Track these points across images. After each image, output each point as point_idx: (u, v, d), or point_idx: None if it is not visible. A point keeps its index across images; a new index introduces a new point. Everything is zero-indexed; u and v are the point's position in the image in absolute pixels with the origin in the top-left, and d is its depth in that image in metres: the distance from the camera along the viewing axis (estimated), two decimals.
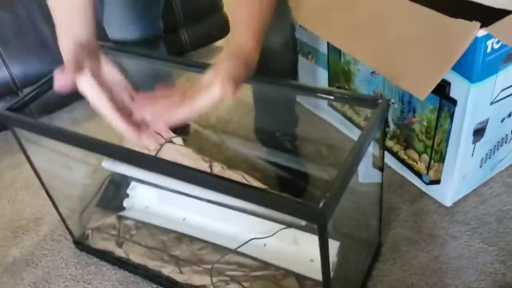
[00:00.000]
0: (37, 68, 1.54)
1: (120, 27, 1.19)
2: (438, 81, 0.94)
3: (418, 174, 1.24)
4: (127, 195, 1.27)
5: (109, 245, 1.19)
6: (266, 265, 1.09)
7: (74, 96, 1.59)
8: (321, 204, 0.72)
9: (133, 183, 1.28)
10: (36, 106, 1.53)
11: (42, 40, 1.54)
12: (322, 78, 1.43)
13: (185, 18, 1.81)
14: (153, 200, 1.26)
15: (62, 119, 1.66)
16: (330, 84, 1.41)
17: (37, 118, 1.47)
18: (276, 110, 1.29)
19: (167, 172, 0.90)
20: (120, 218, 1.24)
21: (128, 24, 1.18)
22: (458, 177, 1.15)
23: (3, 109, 0.99)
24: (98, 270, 1.18)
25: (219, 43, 2.01)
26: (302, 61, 1.50)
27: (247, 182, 1.22)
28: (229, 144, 1.50)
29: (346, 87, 1.35)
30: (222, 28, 1.94)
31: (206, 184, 0.85)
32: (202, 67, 1.11)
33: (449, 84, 1.02)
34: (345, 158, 0.80)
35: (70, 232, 1.24)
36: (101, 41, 1.15)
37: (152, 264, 1.13)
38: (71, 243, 1.25)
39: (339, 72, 1.35)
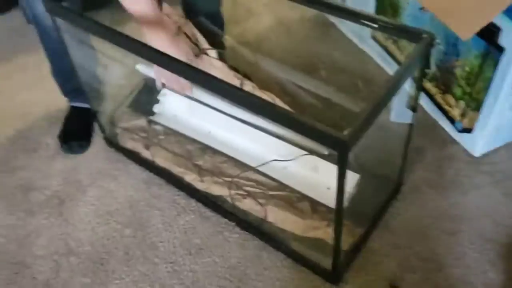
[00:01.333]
0: None
1: None
2: (485, 24, 0.89)
3: (451, 120, 1.22)
4: (158, 101, 1.30)
5: (137, 146, 1.23)
6: (283, 186, 1.11)
7: None
8: (345, 132, 0.72)
9: (164, 90, 1.30)
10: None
11: None
12: (368, 7, 1.37)
13: None
14: (182, 109, 1.27)
15: (103, 17, 1.66)
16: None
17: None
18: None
19: (198, 81, 0.90)
20: (150, 122, 1.28)
21: None
22: (492, 128, 1.12)
23: None
24: (125, 168, 1.24)
25: None
26: None
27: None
28: (263, 65, 1.49)
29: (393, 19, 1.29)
30: None
31: (236, 99, 0.86)
32: None
33: (499, 30, 0.96)
34: (382, 88, 0.78)
35: (101, 128, 1.28)
36: None
37: (176, 170, 1.17)
38: (101, 138, 1.30)
39: (387, 3, 1.29)
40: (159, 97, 1.29)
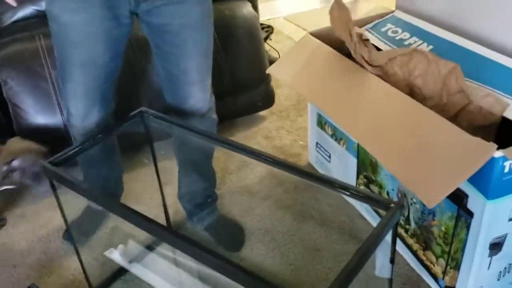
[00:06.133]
0: None
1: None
2: (448, 193, 0.95)
3: (435, 277, 1.23)
4: None
5: None
6: None
7: None
8: None
9: None
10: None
11: None
12: (351, 165, 1.46)
13: (233, 87, 1.90)
14: None
15: None
16: (358, 172, 1.44)
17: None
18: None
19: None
20: None
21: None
22: (474, 287, 1.13)
23: (47, 162, 1.08)
24: None
25: (263, 112, 2.10)
26: (334, 145, 1.55)
27: None
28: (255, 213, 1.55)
29: (373, 177, 1.37)
30: (268, 100, 2.03)
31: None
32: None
33: (466, 196, 1.03)
34: (350, 259, 0.82)
35: (88, 281, 1.29)
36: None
37: None
38: None
39: (367, 162, 1.38)
40: None
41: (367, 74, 1.24)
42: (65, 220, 1.18)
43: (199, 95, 1.27)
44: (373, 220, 1.44)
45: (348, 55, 1.33)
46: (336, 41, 1.36)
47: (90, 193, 1.09)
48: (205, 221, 1.48)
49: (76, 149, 1.14)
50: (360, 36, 1.26)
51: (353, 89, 1.25)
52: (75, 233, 1.28)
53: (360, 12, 1.58)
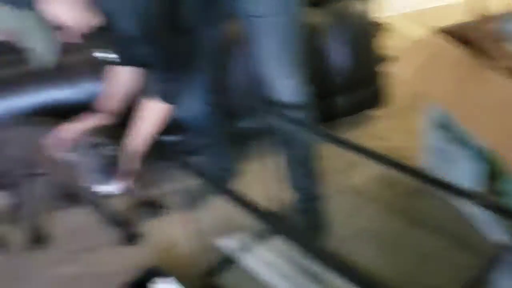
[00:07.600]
0: None
1: None
2: None
3: None
4: None
5: None
6: None
7: None
8: None
9: None
10: None
11: None
12: (473, 173, 1.37)
13: (344, 85, 1.88)
14: None
15: None
16: (482, 181, 1.35)
17: None
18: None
19: None
20: None
21: None
22: None
23: None
24: None
25: (373, 112, 2.04)
26: (454, 150, 1.46)
27: None
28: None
29: (502, 188, 1.27)
30: (379, 99, 1.97)
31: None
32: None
33: None
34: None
35: (200, 268, 1.33)
36: None
37: None
38: None
39: (496, 171, 1.28)
40: None
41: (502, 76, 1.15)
42: None
43: (277, 80, 1.27)
44: (492, 232, 1.34)
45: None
46: (461, 40, 1.27)
47: (208, 181, 1.12)
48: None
49: None
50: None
51: (487, 92, 1.16)
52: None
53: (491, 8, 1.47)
